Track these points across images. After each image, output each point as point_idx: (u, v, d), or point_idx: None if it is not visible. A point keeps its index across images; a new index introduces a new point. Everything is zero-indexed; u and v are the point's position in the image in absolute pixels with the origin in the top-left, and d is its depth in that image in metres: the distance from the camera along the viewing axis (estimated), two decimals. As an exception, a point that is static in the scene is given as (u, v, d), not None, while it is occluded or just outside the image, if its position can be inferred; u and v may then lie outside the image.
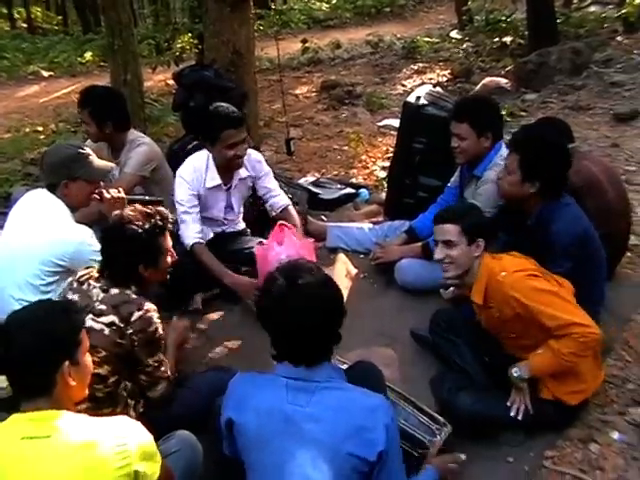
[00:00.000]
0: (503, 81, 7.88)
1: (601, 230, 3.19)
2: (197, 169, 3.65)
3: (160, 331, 2.45)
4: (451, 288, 3.26)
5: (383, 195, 5.02)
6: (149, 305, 2.43)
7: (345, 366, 2.54)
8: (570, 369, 2.63)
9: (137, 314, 2.37)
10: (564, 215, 2.99)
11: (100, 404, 2.32)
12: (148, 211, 2.56)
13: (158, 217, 2.56)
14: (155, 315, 2.43)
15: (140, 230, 2.48)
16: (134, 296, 2.44)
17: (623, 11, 10.45)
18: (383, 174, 5.73)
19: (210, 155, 3.65)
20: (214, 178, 3.66)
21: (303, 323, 1.96)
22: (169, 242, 2.65)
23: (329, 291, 2.05)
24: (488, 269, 2.75)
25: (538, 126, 3.79)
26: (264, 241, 3.58)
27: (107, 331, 2.36)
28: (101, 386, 2.31)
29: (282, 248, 3.34)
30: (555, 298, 2.61)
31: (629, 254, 4.21)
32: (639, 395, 2.97)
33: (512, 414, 2.67)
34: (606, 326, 3.04)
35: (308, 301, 1.98)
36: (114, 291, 2.44)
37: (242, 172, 3.75)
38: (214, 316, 3.62)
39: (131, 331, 2.36)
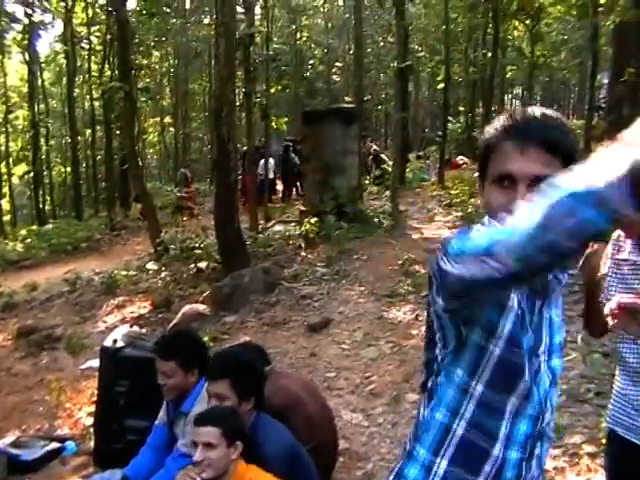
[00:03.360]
0: (202, 307, 8.13)
1: (309, 444, 3.34)
2: None
3: None
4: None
5: (92, 444, 4.78)
6: None
7: None
8: None
9: None
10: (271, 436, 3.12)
11: None
12: None
13: None
14: None
15: None
16: None
17: (303, 229, 11.61)
18: (90, 421, 5.48)
19: None
20: None
21: None
22: None
23: None
24: (239, 476, 2.79)
25: (235, 350, 3.98)
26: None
27: None
28: None
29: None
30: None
31: (341, 458, 4.43)
32: None
33: None
34: None
35: None
36: None
37: None
38: None
39: None
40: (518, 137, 1.45)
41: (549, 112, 1.50)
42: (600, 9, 15.78)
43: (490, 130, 1.53)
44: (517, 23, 20.82)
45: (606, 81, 20.32)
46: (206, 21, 25.09)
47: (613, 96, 19.07)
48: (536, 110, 1.50)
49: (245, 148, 15.66)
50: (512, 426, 1.53)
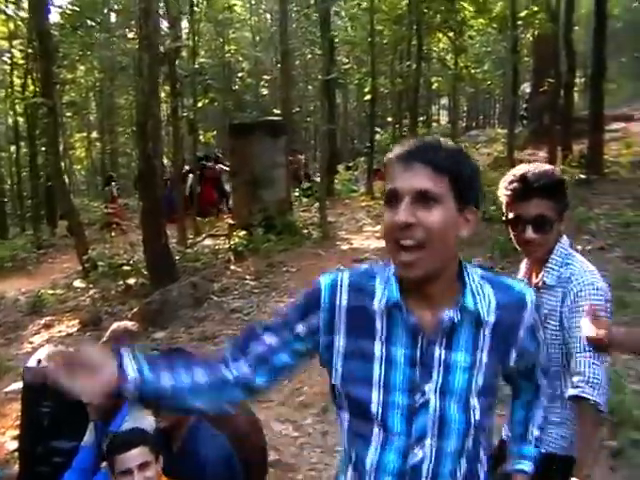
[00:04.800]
0: (130, 324, 8.04)
1: (238, 456, 3.36)
2: None
3: None
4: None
5: (17, 468, 4.68)
6: None
7: None
8: None
9: None
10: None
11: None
12: None
13: None
14: None
15: None
16: None
17: (232, 242, 11.62)
18: (14, 445, 5.36)
19: None
20: None
21: None
22: None
23: None
24: None
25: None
26: None
27: None
28: None
29: None
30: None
31: (272, 470, 4.46)
32: None
33: None
34: None
35: None
36: None
37: None
38: None
39: None
40: (404, 157, 1.50)
41: (442, 140, 1.55)
42: (519, 22, 16.33)
43: (386, 158, 1.58)
44: (441, 35, 21.29)
45: (528, 91, 21.01)
46: (131, 35, 24.83)
47: (534, 106, 19.74)
48: (428, 138, 1.57)
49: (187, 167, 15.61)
50: (380, 456, 1.57)
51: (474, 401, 1.56)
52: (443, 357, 1.54)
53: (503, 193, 2.46)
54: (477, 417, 1.56)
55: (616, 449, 4.27)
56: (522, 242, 2.45)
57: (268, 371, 1.63)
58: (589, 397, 2.10)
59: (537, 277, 2.50)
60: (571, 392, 2.16)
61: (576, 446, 2.16)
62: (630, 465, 4.16)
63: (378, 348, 1.55)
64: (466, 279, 1.58)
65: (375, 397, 1.53)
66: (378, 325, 1.54)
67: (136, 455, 2.85)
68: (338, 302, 1.58)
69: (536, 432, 1.96)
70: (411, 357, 1.53)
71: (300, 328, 1.61)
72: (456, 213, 1.49)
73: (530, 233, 2.39)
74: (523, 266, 2.67)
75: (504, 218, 2.49)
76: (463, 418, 1.55)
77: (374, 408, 1.54)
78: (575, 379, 2.17)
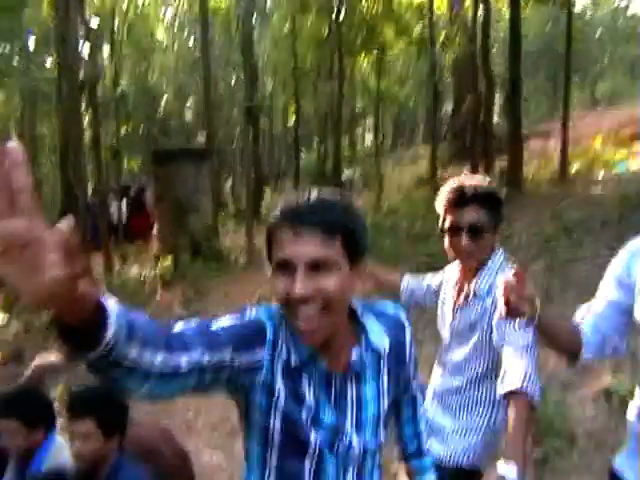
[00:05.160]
0: (54, 357, 7.89)
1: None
2: None
3: None
4: None
5: None
6: None
7: None
8: None
9: None
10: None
11: None
12: None
13: None
14: None
15: None
16: None
17: (158, 270, 11.49)
18: None
19: None
20: None
21: None
22: None
23: None
24: None
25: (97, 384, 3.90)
26: None
27: None
28: None
29: None
30: None
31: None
32: None
33: None
34: None
35: None
36: None
37: None
38: None
39: None
40: (292, 221, 1.42)
41: (327, 193, 1.49)
42: (438, 44, 16.82)
43: (270, 218, 1.49)
44: (363, 57, 21.71)
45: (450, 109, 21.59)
46: (50, 61, 24.44)
47: (455, 125, 20.31)
48: (313, 192, 1.48)
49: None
50: None
51: (382, 426, 1.63)
52: (355, 394, 1.58)
53: (441, 203, 2.52)
54: (382, 439, 1.63)
55: (540, 458, 4.41)
56: (457, 250, 2.51)
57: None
58: (520, 390, 2.11)
59: (468, 286, 2.56)
60: (503, 389, 2.16)
61: (506, 440, 2.12)
62: (554, 473, 4.31)
63: (308, 392, 1.55)
64: (359, 316, 1.61)
65: (312, 437, 1.54)
66: (303, 376, 1.54)
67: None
68: (280, 341, 1.53)
69: (428, 443, 2.00)
70: (328, 398, 1.56)
71: (237, 358, 1.44)
72: (350, 273, 1.46)
73: (465, 240, 2.45)
74: (452, 272, 2.74)
75: (440, 228, 2.54)
76: (374, 441, 1.62)
77: (310, 448, 1.55)
78: (507, 375, 2.18)
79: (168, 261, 11.30)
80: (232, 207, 19.12)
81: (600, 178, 12.73)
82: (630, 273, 2.01)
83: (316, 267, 1.40)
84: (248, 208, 13.43)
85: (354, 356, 1.56)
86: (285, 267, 1.42)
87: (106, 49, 21.41)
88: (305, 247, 1.39)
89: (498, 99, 22.44)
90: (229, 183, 25.73)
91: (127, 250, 15.70)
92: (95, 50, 14.58)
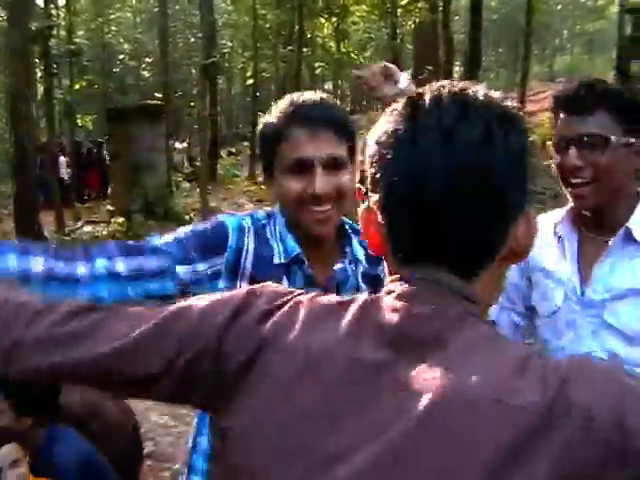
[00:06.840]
0: None
1: (108, 450, 3.33)
2: None
3: None
4: None
5: None
6: None
7: None
8: None
9: None
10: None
11: None
12: None
13: None
14: None
15: None
16: None
17: (110, 229, 11.33)
18: None
19: None
20: None
21: None
22: None
23: None
24: None
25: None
26: None
27: None
28: None
29: None
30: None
31: (148, 462, 4.42)
32: None
33: None
34: None
35: None
36: None
37: None
38: None
39: None
40: (306, 122, 1.44)
41: (324, 96, 1.53)
42: (399, 10, 16.71)
43: (273, 119, 1.50)
44: (323, 21, 21.51)
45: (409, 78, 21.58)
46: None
47: (414, 93, 20.31)
48: (313, 95, 1.52)
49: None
50: None
51: None
52: None
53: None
54: None
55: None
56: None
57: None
58: None
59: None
60: None
61: None
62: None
63: None
64: (347, 230, 1.60)
65: None
66: (283, 278, 1.49)
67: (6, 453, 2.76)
68: (245, 247, 1.49)
69: None
70: None
71: (200, 267, 1.42)
72: (351, 174, 1.50)
73: None
74: None
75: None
76: None
77: None
78: None
79: (120, 220, 11.15)
80: (187, 168, 18.88)
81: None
82: None
83: (332, 166, 1.44)
84: (204, 168, 13.30)
85: (338, 269, 1.54)
86: (300, 167, 1.44)
87: (62, 1, 20.73)
88: (322, 146, 1.44)
89: (458, 70, 22.48)
90: (185, 144, 25.44)
91: (79, 209, 15.42)
92: (49, 1, 14.12)
